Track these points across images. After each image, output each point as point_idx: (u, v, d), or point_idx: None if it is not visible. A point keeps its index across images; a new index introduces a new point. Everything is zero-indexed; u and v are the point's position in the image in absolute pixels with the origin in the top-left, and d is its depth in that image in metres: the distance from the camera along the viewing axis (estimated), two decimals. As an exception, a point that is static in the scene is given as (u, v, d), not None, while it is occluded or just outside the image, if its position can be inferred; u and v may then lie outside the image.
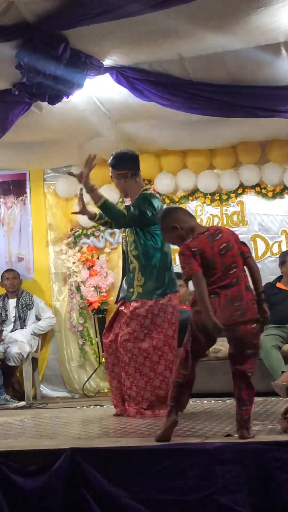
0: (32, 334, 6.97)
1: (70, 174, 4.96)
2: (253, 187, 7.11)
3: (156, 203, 4.81)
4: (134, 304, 4.73)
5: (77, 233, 7.44)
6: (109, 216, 4.83)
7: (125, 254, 5.05)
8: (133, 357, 4.65)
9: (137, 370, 4.65)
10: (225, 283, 3.34)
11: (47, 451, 3.16)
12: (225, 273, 3.35)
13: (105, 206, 4.72)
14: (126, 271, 5.04)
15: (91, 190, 4.70)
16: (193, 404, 5.24)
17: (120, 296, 5.05)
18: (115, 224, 4.93)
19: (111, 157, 4.95)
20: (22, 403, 6.22)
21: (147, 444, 3.21)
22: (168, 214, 3.61)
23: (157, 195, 6.70)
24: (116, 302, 5.23)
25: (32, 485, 3.04)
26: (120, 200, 5.17)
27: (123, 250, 5.12)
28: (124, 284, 5.00)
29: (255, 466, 2.94)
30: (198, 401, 5.38)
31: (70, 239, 7.45)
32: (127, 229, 4.90)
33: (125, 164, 4.91)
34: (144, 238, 4.78)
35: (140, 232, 4.80)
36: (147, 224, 4.75)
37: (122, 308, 4.90)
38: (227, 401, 5.18)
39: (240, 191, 7.15)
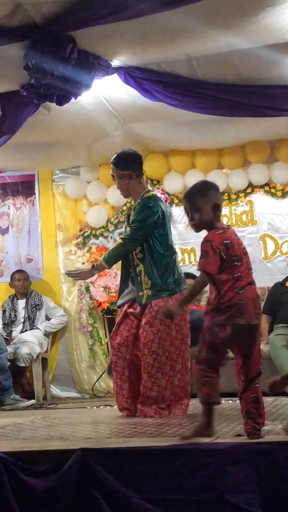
0: (44, 334, 6.99)
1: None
2: (262, 186, 7.09)
3: (159, 204, 4.81)
4: (156, 304, 4.72)
5: (86, 234, 7.45)
6: (119, 259, 4.91)
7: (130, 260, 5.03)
8: (158, 357, 4.67)
9: (159, 370, 4.67)
10: (250, 280, 3.34)
11: (57, 452, 3.16)
12: (248, 271, 3.35)
13: (109, 262, 4.84)
14: (127, 273, 5.02)
15: (93, 272, 4.93)
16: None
17: (125, 299, 5.01)
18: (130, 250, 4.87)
19: (115, 156, 4.92)
20: (32, 401, 6.23)
21: (157, 444, 3.21)
22: (216, 189, 3.47)
23: (161, 196, 6.76)
24: (118, 304, 5.21)
25: (43, 486, 3.04)
26: (129, 201, 5.18)
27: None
28: (131, 286, 4.98)
29: (265, 466, 2.93)
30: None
31: (79, 239, 7.46)
32: None
33: (130, 164, 4.89)
34: (150, 241, 4.77)
35: (163, 244, 4.81)
36: (155, 228, 4.75)
37: (131, 310, 4.89)
38: (237, 400, 5.16)
39: (249, 190, 7.14)
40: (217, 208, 3.40)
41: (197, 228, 3.47)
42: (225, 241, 3.30)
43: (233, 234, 3.38)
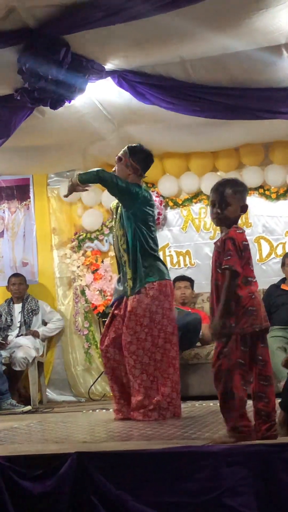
0: (40, 338, 6.98)
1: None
2: (256, 188, 7.11)
3: (146, 192, 4.86)
4: (130, 304, 4.72)
5: (81, 237, 7.45)
6: (89, 178, 4.85)
7: (116, 252, 5.05)
8: (138, 358, 4.65)
9: (143, 371, 4.65)
10: (257, 285, 3.34)
11: (54, 456, 3.15)
12: (254, 277, 3.35)
13: (80, 176, 4.83)
14: (119, 271, 5.03)
15: (73, 184, 4.90)
16: (199, 407, 5.24)
17: (113, 299, 5.03)
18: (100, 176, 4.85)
19: (136, 146, 4.97)
20: (28, 407, 6.22)
21: (153, 447, 3.21)
22: (246, 191, 3.48)
23: (156, 199, 6.83)
24: (111, 306, 5.23)
25: (39, 490, 3.03)
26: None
27: (114, 247, 5.11)
28: (116, 284, 5.01)
29: (261, 468, 2.93)
30: (204, 404, 5.39)
31: (74, 243, 7.46)
32: (116, 224, 4.91)
33: (143, 162, 4.94)
34: (132, 232, 4.77)
35: (129, 225, 4.80)
36: (131, 191, 4.76)
37: (116, 311, 4.88)
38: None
39: (243, 193, 7.14)
40: (244, 209, 3.42)
41: (220, 222, 3.42)
42: (244, 242, 3.31)
43: None
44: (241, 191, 3.42)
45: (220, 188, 3.41)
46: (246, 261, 3.30)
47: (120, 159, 4.93)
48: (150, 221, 4.86)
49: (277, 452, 2.96)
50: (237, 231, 3.33)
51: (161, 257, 7.07)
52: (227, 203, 3.36)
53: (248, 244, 3.33)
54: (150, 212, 4.87)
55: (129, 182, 4.84)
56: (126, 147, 4.98)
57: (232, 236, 3.28)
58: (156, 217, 5.05)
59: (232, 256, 3.23)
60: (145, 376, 4.64)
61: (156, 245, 4.90)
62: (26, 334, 6.94)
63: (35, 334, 6.94)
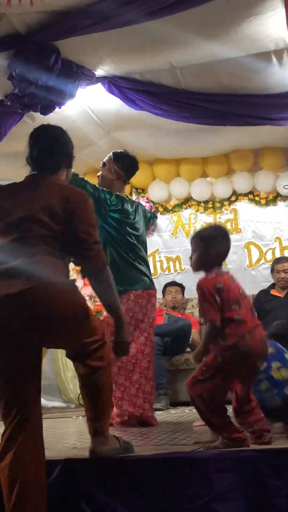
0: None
1: None
2: (246, 194, 7.14)
3: (120, 200, 4.75)
4: (104, 313, 4.69)
5: (71, 243, 7.43)
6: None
7: None
8: None
9: (113, 381, 4.59)
10: (256, 322, 3.28)
11: (43, 462, 3.14)
12: (251, 315, 3.29)
13: None
14: None
15: None
16: (189, 413, 5.24)
17: None
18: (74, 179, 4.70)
19: (121, 151, 4.92)
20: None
21: (143, 453, 3.20)
22: (225, 238, 3.43)
23: (146, 205, 6.80)
24: None
25: (28, 496, 3.02)
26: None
27: None
28: None
29: (251, 474, 2.94)
30: (193, 409, 5.36)
31: (64, 248, 7.44)
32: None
33: (127, 168, 4.90)
34: (102, 239, 4.74)
35: (99, 233, 4.76)
36: (102, 194, 4.65)
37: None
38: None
39: (233, 198, 7.18)
40: (219, 258, 3.36)
41: (193, 269, 3.40)
42: (218, 285, 3.21)
43: (229, 279, 3.28)
44: (215, 237, 3.39)
45: (194, 238, 3.43)
46: (226, 303, 3.20)
47: (104, 164, 4.90)
48: (124, 227, 4.73)
49: (267, 458, 2.96)
50: (208, 276, 3.26)
51: (150, 263, 7.15)
52: (198, 255, 3.35)
53: (223, 286, 3.20)
54: (124, 219, 4.73)
55: (102, 188, 4.74)
56: (111, 152, 4.96)
57: (199, 286, 3.23)
58: (136, 223, 4.86)
59: (204, 307, 3.19)
60: (114, 386, 4.56)
61: (134, 251, 4.74)
62: None
63: None
